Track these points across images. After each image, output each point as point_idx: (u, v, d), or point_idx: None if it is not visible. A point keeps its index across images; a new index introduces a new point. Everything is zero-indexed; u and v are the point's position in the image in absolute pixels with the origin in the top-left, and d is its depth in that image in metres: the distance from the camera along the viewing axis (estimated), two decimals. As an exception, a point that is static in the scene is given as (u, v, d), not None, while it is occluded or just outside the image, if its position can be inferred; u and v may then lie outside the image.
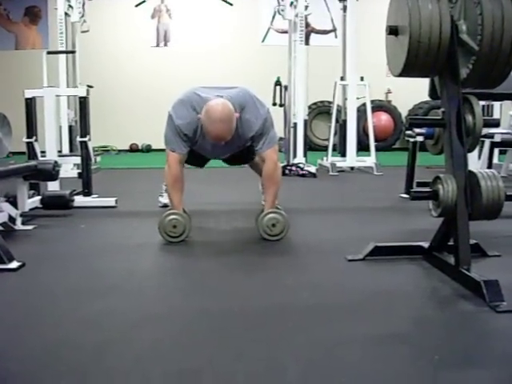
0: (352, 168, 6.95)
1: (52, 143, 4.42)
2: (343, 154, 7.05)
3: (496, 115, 6.15)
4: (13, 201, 3.44)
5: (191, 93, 3.07)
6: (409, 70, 2.33)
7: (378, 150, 7.06)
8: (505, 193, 2.26)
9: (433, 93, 2.58)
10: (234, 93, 3.04)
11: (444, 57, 2.26)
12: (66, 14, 6.66)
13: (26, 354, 1.64)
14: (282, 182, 3.19)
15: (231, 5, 9.14)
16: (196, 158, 3.34)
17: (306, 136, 6.80)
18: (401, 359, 1.62)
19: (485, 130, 2.36)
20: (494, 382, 1.51)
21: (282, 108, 7.36)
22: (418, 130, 4.21)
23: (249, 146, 3.18)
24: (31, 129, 4.19)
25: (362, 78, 6.99)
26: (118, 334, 1.80)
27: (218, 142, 2.94)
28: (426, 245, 2.59)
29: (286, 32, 7.61)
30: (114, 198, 4.27)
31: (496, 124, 2.67)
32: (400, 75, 2.40)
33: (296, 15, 6.69)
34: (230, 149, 3.20)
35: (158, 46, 11.20)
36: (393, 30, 2.37)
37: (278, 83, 7.44)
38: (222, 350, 1.67)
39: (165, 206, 3.82)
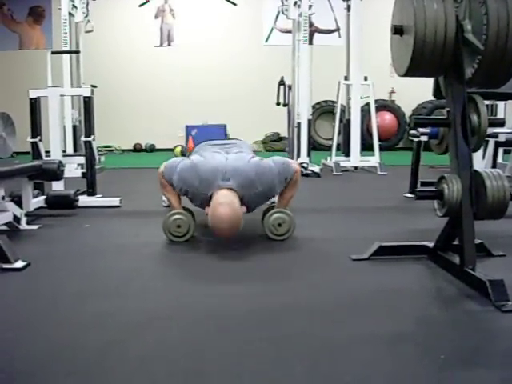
0: (356, 168, 6.95)
1: (56, 143, 4.42)
2: (347, 154, 7.05)
3: (500, 115, 6.14)
4: (18, 200, 3.45)
5: (206, 166, 2.99)
6: (414, 69, 2.32)
7: (381, 149, 7.05)
8: (510, 192, 2.26)
9: (437, 92, 2.57)
10: (238, 171, 2.93)
11: (449, 56, 2.26)
12: (70, 14, 6.66)
13: (31, 353, 1.64)
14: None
15: (235, 5, 9.14)
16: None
17: (309, 136, 6.79)
18: (406, 358, 1.62)
19: (489, 130, 2.35)
20: (500, 381, 1.50)
21: (286, 108, 7.36)
22: (422, 130, 4.21)
23: None
24: (35, 129, 4.20)
25: (365, 78, 6.99)
26: (123, 334, 1.81)
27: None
28: (430, 244, 2.59)
29: (289, 32, 7.60)
30: (119, 198, 4.28)
31: (501, 123, 2.66)
32: (405, 75, 2.39)
33: (300, 15, 6.68)
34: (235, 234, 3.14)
35: (161, 45, 11.21)
36: (398, 30, 2.37)
37: (281, 83, 7.43)
38: (226, 350, 1.67)
39: (169, 205, 3.82)
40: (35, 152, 4.15)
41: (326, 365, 1.57)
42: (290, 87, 7.19)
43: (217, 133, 9.90)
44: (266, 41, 11.12)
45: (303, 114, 6.71)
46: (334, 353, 1.65)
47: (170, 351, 1.67)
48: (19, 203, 3.44)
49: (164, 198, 4.08)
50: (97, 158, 4.42)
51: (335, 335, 1.78)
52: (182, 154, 8.96)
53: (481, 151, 4.87)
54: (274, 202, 3.31)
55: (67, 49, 6.58)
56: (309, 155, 6.68)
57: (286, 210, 3.10)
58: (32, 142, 4.16)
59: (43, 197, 3.83)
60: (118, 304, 2.09)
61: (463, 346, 1.70)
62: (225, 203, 2.79)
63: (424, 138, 4.34)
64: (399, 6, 2.42)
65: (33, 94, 4.25)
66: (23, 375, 1.52)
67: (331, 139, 7.37)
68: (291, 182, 3.09)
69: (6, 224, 3.25)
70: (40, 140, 4.18)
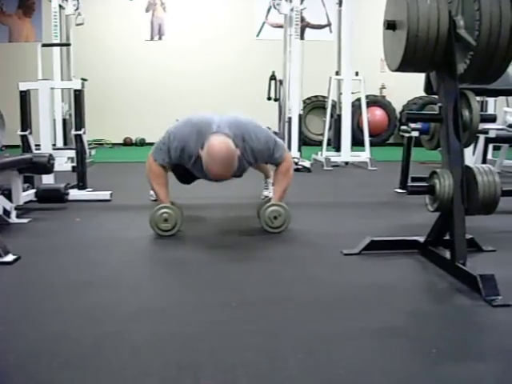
0: (346, 163, 6.96)
1: (46, 136, 4.40)
2: (338, 149, 7.05)
3: (490, 111, 6.17)
4: (7, 194, 3.43)
5: (199, 120, 3.02)
6: (406, 64, 2.33)
7: (371, 145, 7.06)
8: (501, 188, 2.27)
9: (428, 88, 2.58)
10: (233, 123, 2.98)
11: (441, 52, 2.27)
12: (60, 6, 6.62)
13: (24, 346, 1.64)
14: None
15: (226, -2, 9.11)
16: (185, 174, 3.32)
17: (300, 131, 6.79)
18: (398, 352, 1.63)
19: (480, 126, 2.36)
20: (491, 374, 1.52)
21: (277, 102, 7.36)
22: (413, 126, 4.22)
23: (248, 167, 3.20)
24: (25, 122, 4.17)
25: (356, 73, 6.99)
26: (116, 326, 1.80)
27: (218, 179, 2.94)
28: (421, 239, 2.60)
29: (280, 26, 7.60)
30: (109, 192, 4.26)
31: (493, 119, 2.68)
32: (397, 70, 2.40)
33: (291, 9, 6.67)
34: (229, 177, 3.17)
35: (152, 39, 11.14)
36: (390, 25, 2.37)
37: (272, 77, 7.44)
38: (220, 343, 1.67)
39: (157, 200, 3.81)
40: (25, 145, 4.13)
41: (318, 358, 1.57)
42: (281, 82, 7.20)
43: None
44: (258, 35, 11.09)
45: (294, 109, 6.70)
46: (327, 346, 1.66)
47: (163, 343, 1.67)
48: (9, 197, 3.42)
49: (152, 192, 4.07)
50: (87, 151, 4.40)
51: (327, 329, 1.79)
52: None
53: (471, 147, 4.89)
54: (267, 197, 3.32)
55: (57, 42, 6.54)
56: (300, 150, 6.68)
57: (282, 203, 3.11)
58: (22, 135, 4.14)
59: (33, 190, 3.81)
60: (110, 296, 2.09)
61: (454, 340, 1.71)
62: (219, 140, 2.81)
63: (415, 134, 4.35)
64: (392, 1, 2.43)
65: (23, 86, 4.22)
66: (16, 368, 1.51)
67: (322, 134, 7.37)
68: (282, 167, 3.10)
69: (-5, 217, 3.24)
70: (30, 133, 4.15)
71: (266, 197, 3.33)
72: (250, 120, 3.11)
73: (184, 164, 3.09)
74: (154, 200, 3.91)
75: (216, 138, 2.83)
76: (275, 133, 6.93)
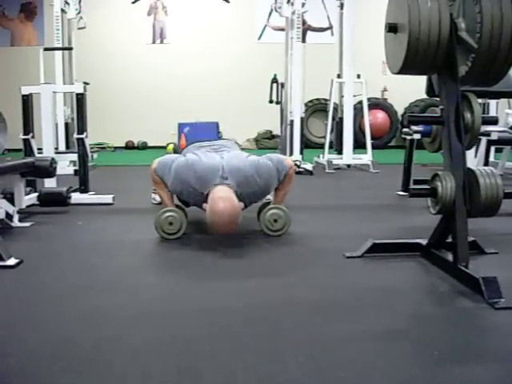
0: (348, 165, 6.95)
1: (49, 140, 4.40)
2: (340, 152, 7.04)
3: (492, 113, 6.16)
4: (10, 198, 3.44)
5: (206, 167, 2.96)
6: (408, 67, 2.33)
7: (373, 147, 7.05)
8: (503, 190, 2.27)
9: (430, 91, 2.58)
10: (235, 170, 2.93)
11: (443, 54, 2.27)
12: (62, 10, 6.63)
13: (25, 350, 1.64)
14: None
15: (228, 2, 9.12)
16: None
17: (302, 133, 6.79)
18: (400, 355, 1.62)
19: (482, 128, 2.36)
20: (493, 377, 1.51)
21: (279, 105, 7.36)
22: (415, 128, 4.21)
23: None
24: (28, 125, 4.17)
25: (358, 76, 6.99)
26: (117, 329, 1.80)
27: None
28: (424, 242, 2.60)
29: (282, 29, 7.60)
30: (112, 195, 4.26)
31: (495, 121, 2.67)
32: (399, 73, 2.40)
33: (293, 12, 6.67)
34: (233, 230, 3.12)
35: (154, 43, 11.16)
36: (392, 28, 2.37)
37: (274, 80, 7.44)
38: (221, 346, 1.67)
39: (160, 203, 3.81)
40: (27, 149, 4.13)
41: (320, 361, 1.57)
42: (282, 85, 7.20)
43: (209, 130, 9.87)
44: (259, 38, 11.10)
45: (296, 112, 6.70)
46: (328, 349, 1.65)
47: (164, 347, 1.67)
48: (11, 200, 3.42)
49: (153, 196, 4.09)
50: (89, 155, 4.40)
51: (328, 332, 1.79)
52: (175, 151, 8.92)
53: (473, 150, 4.89)
54: (269, 199, 3.32)
55: (59, 45, 6.55)
56: (301, 153, 6.68)
57: (282, 206, 3.12)
58: (24, 139, 4.14)
59: (35, 194, 3.81)
60: (111, 300, 2.09)
61: (457, 343, 1.71)
62: (223, 198, 2.78)
63: (417, 136, 4.34)
64: (393, 3, 2.43)
65: (25, 90, 4.23)
66: (17, 372, 1.51)
67: (324, 137, 7.37)
68: (286, 177, 3.10)
69: (-2, 221, 3.24)
70: (32, 137, 4.15)
71: (268, 199, 3.31)
72: (250, 161, 3.04)
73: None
74: (157, 203, 3.92)
75: (219, 197, 2.79)
76: (277, 136, 6.93)
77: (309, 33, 10.76)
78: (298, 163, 6.33)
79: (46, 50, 4.99)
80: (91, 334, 1.76)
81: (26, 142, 4.14)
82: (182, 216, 3.03)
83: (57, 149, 5.74)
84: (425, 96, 2.65)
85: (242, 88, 10.69)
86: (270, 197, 3.32)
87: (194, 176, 2.93)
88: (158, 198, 3.97)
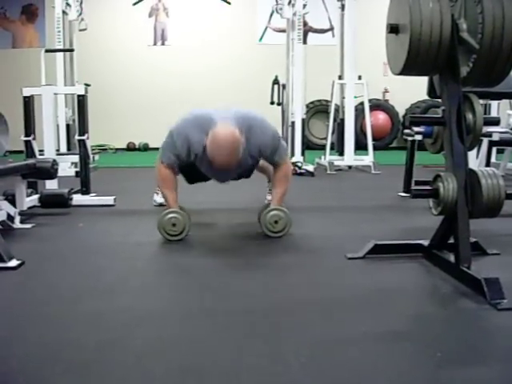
0: (350, 167, 6.95)
1: (50, 142, 4.40)
2: (341, 153, 7.05)
3: (494, 114, 6.15)
4: (11, 199, 3.44)
5: (201, 113, 3.03)
6: (409, 68, 2.33)
7: (375, 148, 7.05)
8: (505, 191, 2.27)
9: (431, 91, 2.58)
10: (240, 117, 2.98)
11: (444, 55, 2.26)
12: (63, 12, 6.63)
13: (27, 352, 1.64)
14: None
15: (229, 3, 9.12)
16: (192, 173, 3.30)
17: (303, 135, 6.79)
18: (402, 356, 1.62)
19: (483, 129, 2.36)
20: (496, 378, 1.51)
21: (280, 107, 7.36)
22: (416, 129, 4.22)
23: (254, 164, 3.19)
24: (29, 127, 4.18)
25: (359, 77, 6.99)
26: (119, 331, 1.80)
27: (224, 169, 2.93)
28: (425, 243, 2.59)
29: (283, 31, 7.61)
30: (113, 197, 4.26)
31: (496, 122, 2.67)
32: (400, 73, 2.40)
33: (294, 14, 6.68)
34: (234, 173, 3.16)
35: (155, 44, 11.17)
36: (393, 29, 2.37)
37: (275, 82, 7.44)
38: (223, 347, 1.67)
39: (161, 205, 3.81)
40: (29, 150, 4.13)
41: (321, 362, 1.57)
42: (284, 86, 7.20)
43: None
44: (260, 40, 11.10)
45: (297, 113, 6.71)
46: (330, 350, 1.65)
47: (166, 349, 1.66)
48: (13, 202, 3.42)
49: (155, 198, 4.08)
50: (90, 156, 4.40)
51: (330, 333, 1.79)
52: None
53: (474, 150, 4.89)
54: (269, 200, 3.32)
55: (61, 47, 6.55)
56: (303, 154, 6.68)
57: (283, 208, 3.11)
58: (25, 141, 4.14)
59: (37, 195, 3.81)
60: (113, 302, 2.09)
61: (459, 344, 1.71)
62: (224, 128, 2.80)
63: (418, 137, 4.34)
64: (395, 4, 2.43)
65: (26, 92, 4.23)
66: (19, 374, 1.51)
67: (325, 138, 7.36)
68: (281, 170, 3.10)
69: (-1, 223, 3.24)
70: (34, 138, 4.15)
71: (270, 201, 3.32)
72: (259, 115, 3.10)
73: (191, 161, 3.06)
74: (159, 205, 3.92)
75: (221, 126, 2.82)
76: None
77: (310, 34, 10.77)
78: (299, 164, 6.33)
79: (47, 51, 4.99)
80: (93, 336, 1.75)
81: (28, 144, 4.14)
82: (185, 217, 3.03)
83: (58, 150, 5.74)
84: (426, 97, 2.65)
85: (243, 89, 10.69)
86: (269, 197, 3.31)
87: (193, 120, 2.97)
88: (158, 200, 3.97)
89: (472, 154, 4.72)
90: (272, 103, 7.50)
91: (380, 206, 4.26)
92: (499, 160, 5.76)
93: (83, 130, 4.30)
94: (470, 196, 2.26)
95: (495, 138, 4.33)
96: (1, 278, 2.38)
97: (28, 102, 4.21)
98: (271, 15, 10.01)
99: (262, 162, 3.30)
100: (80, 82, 6.49)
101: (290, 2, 6.77)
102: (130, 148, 10.95)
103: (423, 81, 2.62)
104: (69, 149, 6.38)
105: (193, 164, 3.09)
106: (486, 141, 4.77)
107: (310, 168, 6.38)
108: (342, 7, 7.09)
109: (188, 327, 1.85)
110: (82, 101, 4.36)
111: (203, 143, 2.89)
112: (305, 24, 7.67)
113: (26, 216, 3.59)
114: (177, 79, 10.82)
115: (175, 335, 1.78)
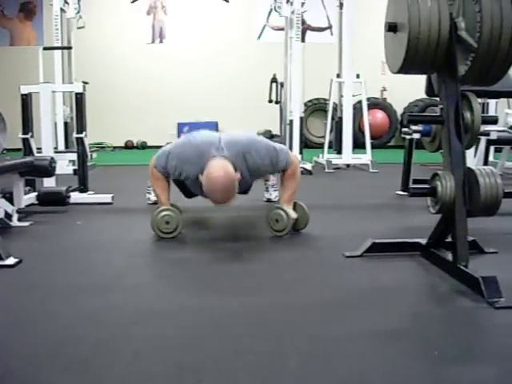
0: (348, 165, 6.95)
1: (48, 139, 4.40)
2: (339, 152, 7.05)
3: (492, 113, 6.16)
4: (9, 197, 3.43)
5: (200, 141, 3.02)
6: (407, 66, 2.33)
7: (373, 147, 7.05)
8: (503, 190, 2.27)
9: (429, 90, 2.58)
10: (232, 143, 2.96)
11: (443, 54, 2.26)
12: (61, 9, 6.62)
13: (25, 350, 1.63)
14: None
15: (227, 1, 9.12)
16: (190, 189, 3.30)
17: (301, 133, 6.79)
18: (400, 354, 1.62)
19: (481, 128, 2.36)
20: (493, 376, 1.51)
21: (278, 105, 7.37)
22: (414, 128, 4.21)
23: (253, 180, 3.21)
24: (27, 125, 4.18)
25: (357, 76, 6.98)
26: (117, 329, 1.80)
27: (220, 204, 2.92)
28: (423, 241, 2.59)
29: (281, 29, 7.60)
30: (111, 195, 4.26)
31: (494, 121, 2.67)
32: (399, 72, 2.40)
33: (292, 12, 6.68)
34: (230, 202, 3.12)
35: (153, 42, 11.17)
36: (392, 27, 2.37)
37: (274, 80, 7.44)
38: (222, 345, 1.67)
39: (154, 203, 3.81)
40: (26, 148, 4.13)
41: (321, 360, 1.57)
42: (282, 84, 7.20)
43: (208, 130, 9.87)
44: (259, 38, 11.11)
45: (295, 112, 6.70)
46: (329, 348, 1.65)
47: (164, 347, 1.66)
48: (10, 200, 3.42)
49: (148, 196, 4.08)
50: (88, 154, 4.40)
51: (328, 331, 1.78)
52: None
53: (472, 149, 4.89)
54: (269, 199, 3.31)
55: (59, 45, 6.54)
56: (301, 153, 6.68)
57: (287, 209, 3.07)
58: (23, 139, 4.14)
59: (35, 193, 3.81)
60: (111, 300, 2.08)
61: (457, 343, 1.71)
62: (218, 166, 2.79)
63: (416, 136, 4.34)
64: (393, 3, 2.43)
65: (24, 89, 4.23)
66: (17, 372, 1.51)
67: (323, 137, 7.37)
68: (288, 171, 3.10)
69: (-3, 220, 3.24)
70: (31, 136, 4.15)
71: (269, 199, 3.33)
72: (248, 136, 3.11)
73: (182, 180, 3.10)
74: (153, 203, 3.91)
75: (215, 165, 2.80)
76: (276, 135, 6.93)
77: (308, 32, 10.77)
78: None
79: (45, 49, 4.99)
80: (91, 334, 1.75)
81: (25, 142, 4.13)
82: (178, 215, 3.03)
83: (56, 148, 5.74)
84: (424, 96, 2.65)
85: (241, 87, 10.70)
86: (270, 196, 3.31)
87: (192, 149, 2.95)
88: (152, 198, 3.97)
89: (470, 153, 4.72)
90: (270, 101, 7.51)
91: (378, 204, 4.26)
92: (497, 159, 5.77)
93: (81, 127, 4.29)
94: (468, 194, 2.26)
95: (493, 136, 4.32)
96: (-2, 275, 2.38)
97: (26, 100, 4.20)
98: (270, 13, 10.01)
99: None
100: (78, 80, 6.47)
101: (288, 1, 6.76)
102: (128, 146, 10.95)
103: (421, 79, 2.62)
104: (67, 147, 6.37)
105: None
106: (483, 139, 4.76)
107: (308, 166, 6.38)
108: (341, 5, 7.10)
109: (186, 325, 1.85)
110: (79, 99, 4.35)
111: (196, 173, 2.91)
112: (303, 22, 7.68)
113: (23, 214, 3.59)
114: (175, 77, 10.81)
115: (173, 333, 1.78)
